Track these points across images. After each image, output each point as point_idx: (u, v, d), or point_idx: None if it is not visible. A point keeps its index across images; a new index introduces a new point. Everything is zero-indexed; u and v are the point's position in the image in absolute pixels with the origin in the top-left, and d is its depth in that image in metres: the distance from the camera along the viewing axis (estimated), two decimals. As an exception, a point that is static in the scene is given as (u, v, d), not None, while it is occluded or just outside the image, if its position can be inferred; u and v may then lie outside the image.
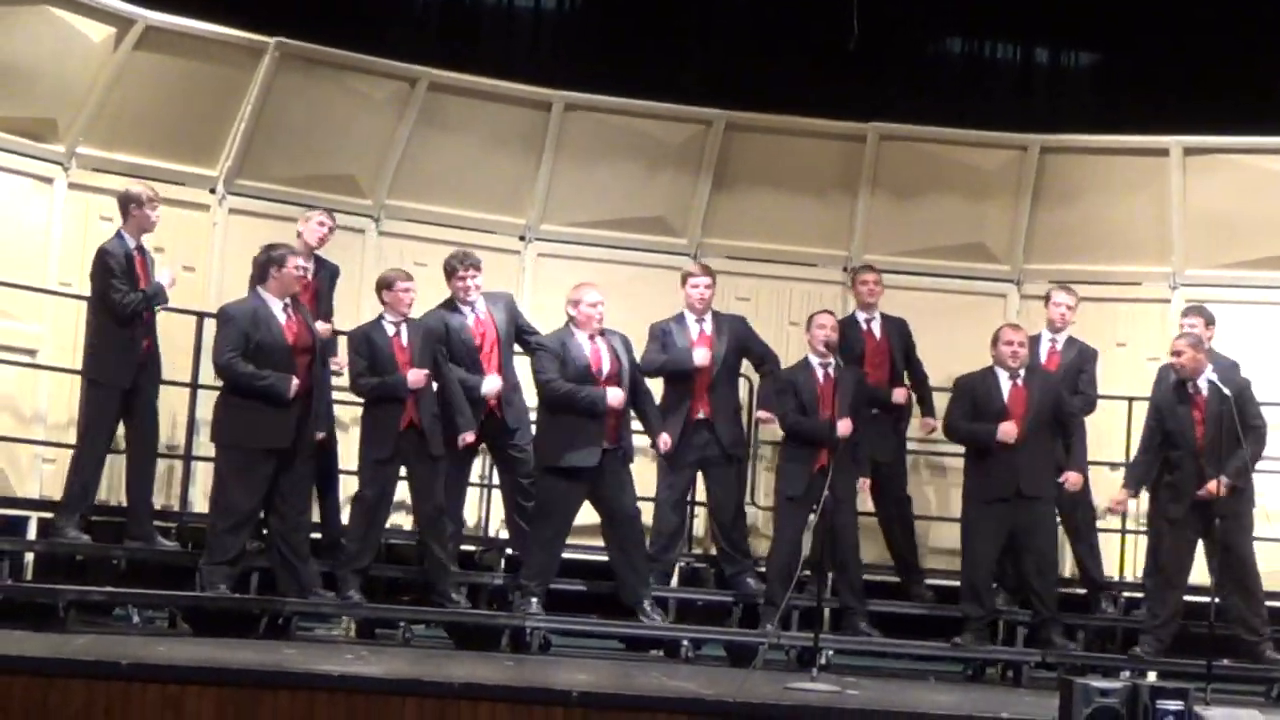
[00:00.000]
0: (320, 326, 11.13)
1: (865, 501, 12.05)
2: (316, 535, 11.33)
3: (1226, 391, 10.73)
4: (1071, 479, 11.40)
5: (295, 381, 10.66)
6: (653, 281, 12.79)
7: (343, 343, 11.50)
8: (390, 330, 11.24)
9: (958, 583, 11.67)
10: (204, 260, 12.01)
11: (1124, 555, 12.48)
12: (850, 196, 13.38)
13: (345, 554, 11.26)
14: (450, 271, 11.63)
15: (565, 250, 13.01)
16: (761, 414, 11.88)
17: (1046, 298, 12.27)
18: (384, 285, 11.34)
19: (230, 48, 12.10)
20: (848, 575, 11.61)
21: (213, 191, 12.23)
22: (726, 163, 13.31)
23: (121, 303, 10.84)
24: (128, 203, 11.08)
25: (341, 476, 11.64)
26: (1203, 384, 11.06)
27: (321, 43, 12.49)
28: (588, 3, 15.45)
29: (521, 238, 13.14)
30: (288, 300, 10.88)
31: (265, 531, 11.12)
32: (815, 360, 11.68)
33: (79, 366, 11.27)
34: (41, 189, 11.65)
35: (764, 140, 13.36)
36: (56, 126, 11.63)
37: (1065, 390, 11.70)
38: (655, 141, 13.22)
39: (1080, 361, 12.11)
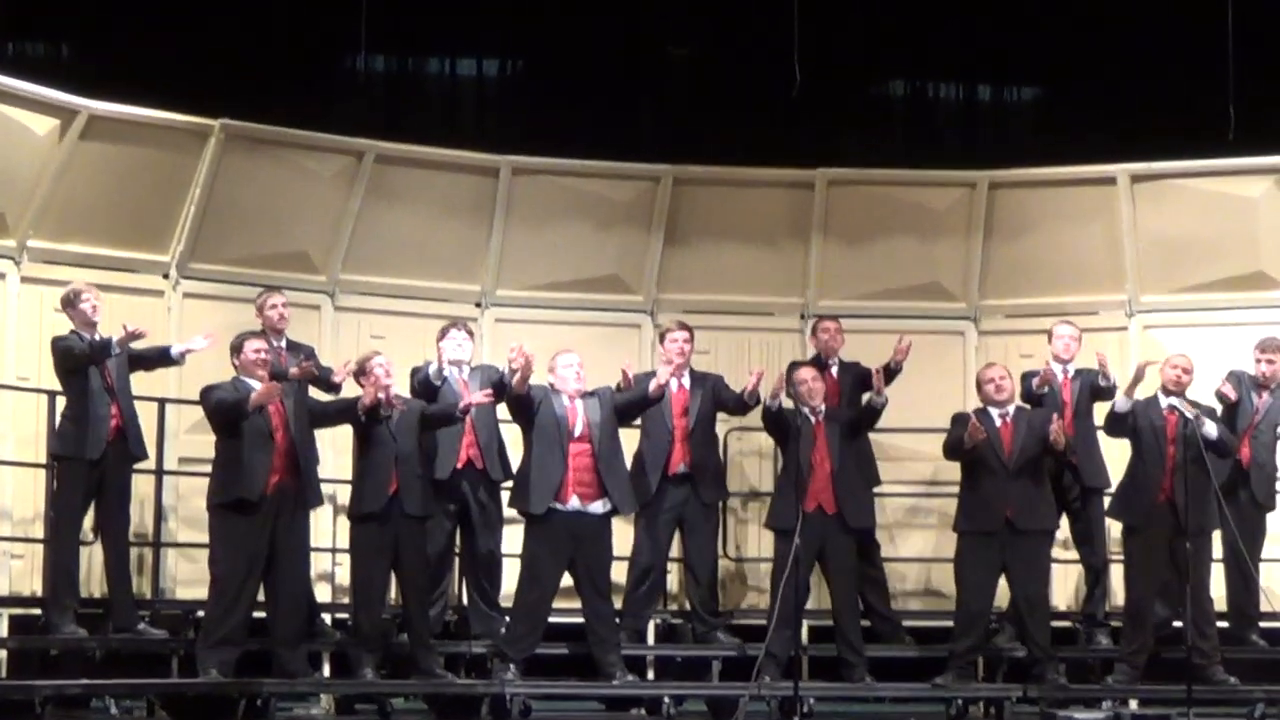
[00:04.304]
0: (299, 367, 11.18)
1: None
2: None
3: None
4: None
5: (255, 393, 10.68)
6: (611, 340, 12.79)
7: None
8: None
9: (931, 624, 11.63)
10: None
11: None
12: (803, 243, 13.41)
13: (358, 634, 11.23)
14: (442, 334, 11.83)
15: (522, 314, 13.01)
16: None
17: (1049, 334, 12.27)
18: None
19: (175, 132, 12.10)
20: (844, 629, 11.55)
21: (166, 276, 12.21)
22: (677, 217, 13.32)
23: (77, 346, 10.87)
24: (65, 306, 11.14)
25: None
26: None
27: (266, 122, 12.50)
28: (529, 67, 15.49)
29: (478, 304, 13.13)
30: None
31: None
32: (805, 410, 11.62)
33: (43, 460, 11.23)
34: (-6, 284, 11.63)
35: (713, 193, 13.38)
36: (6, 221, 11.59)
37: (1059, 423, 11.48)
38: (604, 200, 13.23)
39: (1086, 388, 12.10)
